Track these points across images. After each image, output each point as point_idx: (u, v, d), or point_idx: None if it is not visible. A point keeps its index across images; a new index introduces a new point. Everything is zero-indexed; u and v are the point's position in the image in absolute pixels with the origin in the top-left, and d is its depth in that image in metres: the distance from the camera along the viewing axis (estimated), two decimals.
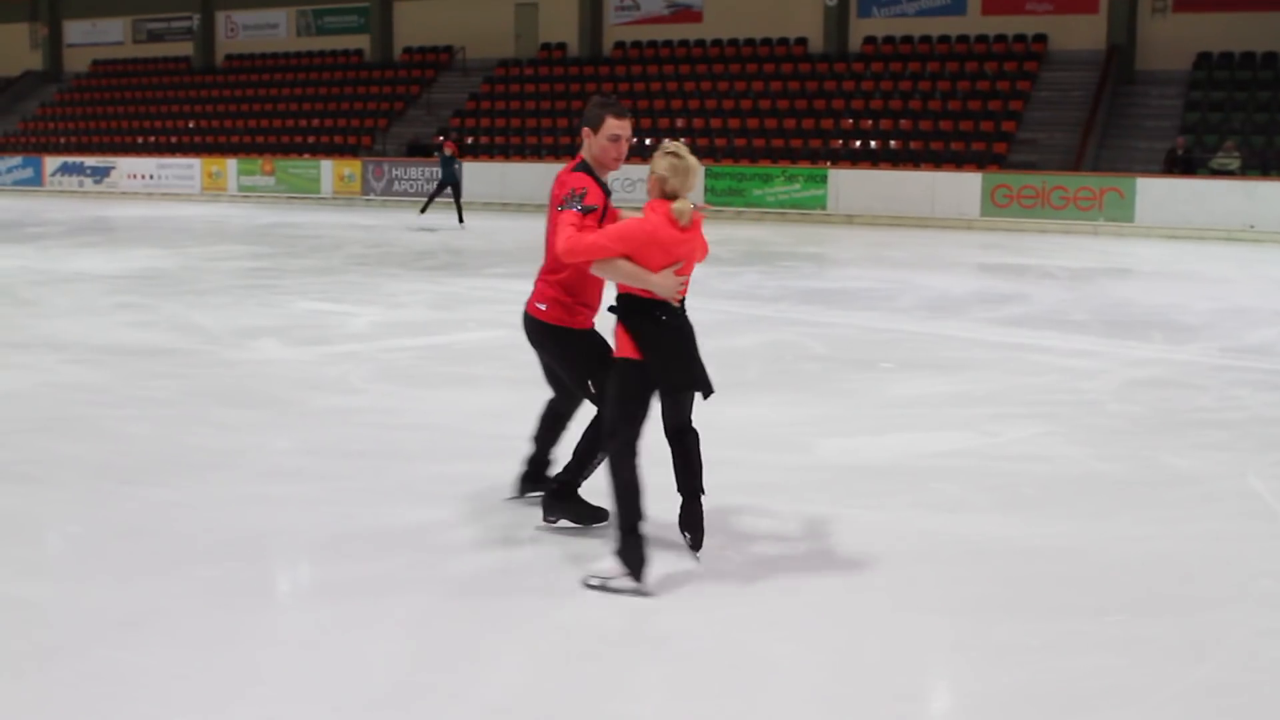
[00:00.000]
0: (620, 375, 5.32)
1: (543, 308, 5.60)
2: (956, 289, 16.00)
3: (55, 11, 49.60)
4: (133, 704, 4.10)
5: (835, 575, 5.40)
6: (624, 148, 5.56)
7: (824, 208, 28.71)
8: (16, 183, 41.00)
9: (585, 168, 5.52)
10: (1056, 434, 8.02)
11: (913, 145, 30.19)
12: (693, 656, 4.52)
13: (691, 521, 5.51)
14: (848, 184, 28.66)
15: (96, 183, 39.30)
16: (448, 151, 25.67)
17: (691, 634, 4.73)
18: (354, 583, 5.22)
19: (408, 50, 41.65)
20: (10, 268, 17.42)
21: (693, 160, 5.30)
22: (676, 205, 5.23)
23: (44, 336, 11.45)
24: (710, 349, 10.73)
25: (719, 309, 13.46)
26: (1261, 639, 4.85)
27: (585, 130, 5.54)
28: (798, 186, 29.06)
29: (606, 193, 5.49)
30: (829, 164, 29.79)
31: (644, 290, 5.24)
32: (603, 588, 5.08)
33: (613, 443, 5.27)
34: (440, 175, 26.03)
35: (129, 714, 4.04)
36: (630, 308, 5.29)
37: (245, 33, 45.84)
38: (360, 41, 42.78)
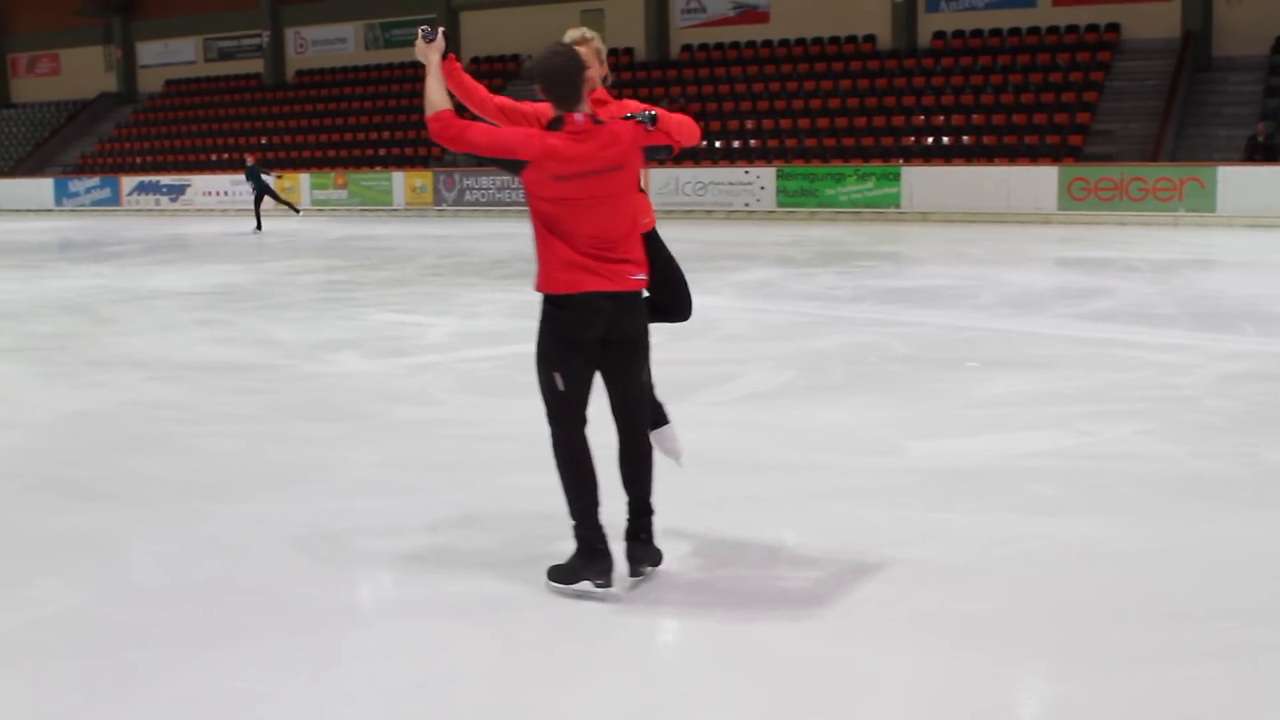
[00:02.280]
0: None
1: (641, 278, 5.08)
2: (1038, 284, 15.73)
3: (128, 34, 50.27)
4: None
5: (934, 582, 5.24)
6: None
7: (898, 206, 28.43)
8: (95, 203, 41.57)
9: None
10: (1153, 432, 7.79)
11: (986, 140, 29.83)
12: (788, 669, 4.38)
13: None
14: (921, 181, 28.36)
15: (172, 201, 39.74)
16: (250, 161, 29.57)
17: (787, 646, 4.59)
18: (445, 598, 5.14)
19: (475, 59, 41.77)
20: (90, 286, 17.60)
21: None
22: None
23: (125, 354, 11.52)
24: (792, 351, 10.73)
25: (797, 310, 13.34)
26: None
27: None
28: (871, 185, 28.80)
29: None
30: (901, 161, 29.50)
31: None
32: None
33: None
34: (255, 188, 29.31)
35: None
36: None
37: (314, 48, 46.20)
38: None
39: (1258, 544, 5.75)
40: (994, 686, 4.29)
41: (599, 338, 4.92)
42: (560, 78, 4.90)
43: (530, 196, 4.93)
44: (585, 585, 4.98)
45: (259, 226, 29.12)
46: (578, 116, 4.88)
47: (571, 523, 5.02)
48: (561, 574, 5.02)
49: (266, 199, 29.84)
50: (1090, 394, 8.92)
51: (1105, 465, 7.04)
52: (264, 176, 29.49)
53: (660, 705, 4.19)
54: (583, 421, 5.05)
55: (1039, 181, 27.08)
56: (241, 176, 38.51)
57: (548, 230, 4.90)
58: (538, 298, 4.98)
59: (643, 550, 5.12)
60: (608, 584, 4.98)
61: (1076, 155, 28.38)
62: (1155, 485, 6.66)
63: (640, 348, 5.12)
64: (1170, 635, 4.68)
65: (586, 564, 4.97)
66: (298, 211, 30.47)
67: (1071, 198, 26.62)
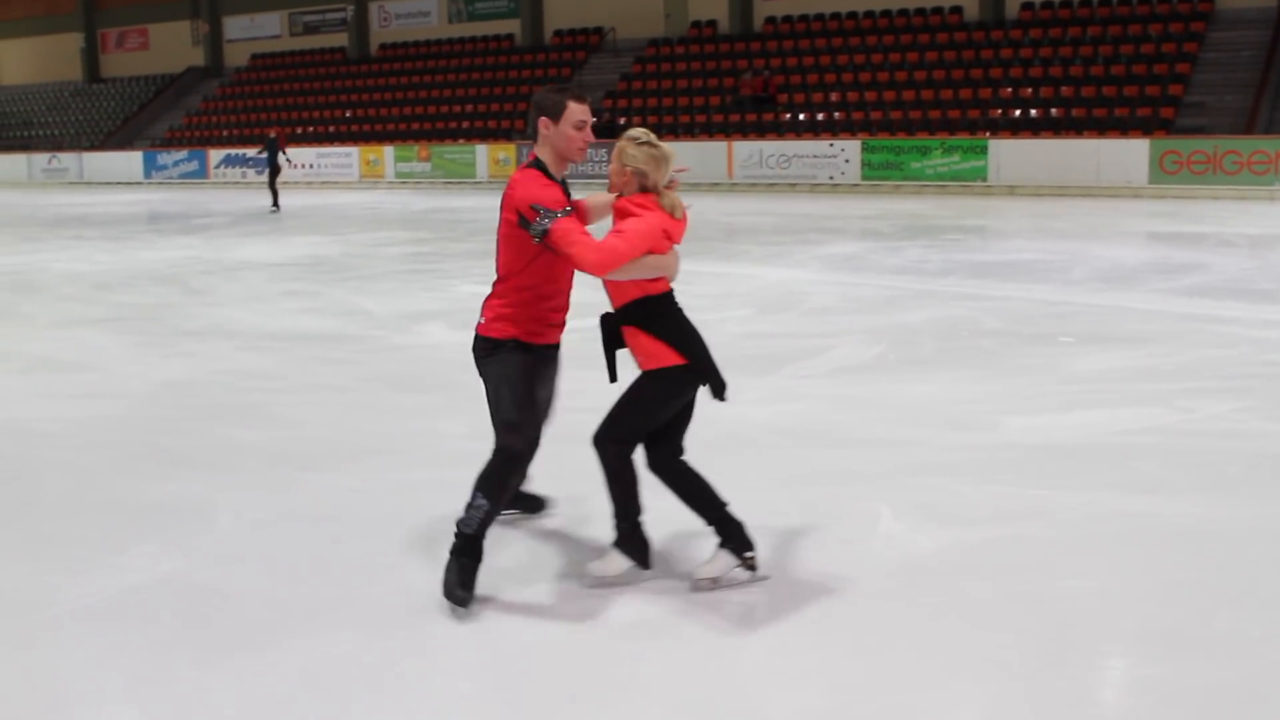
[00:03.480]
0: (662, 383, 4.83)
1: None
2: (1130, 259, 15.46)
3: (215, 8, 50.82)
4: (322, 694, 4.05)
5: (1036, 560, 5.15)
6: (589, 135, 4.86)
7: (984, 179, 28.07)
8: (183, 176, 42.10)
9: (539, 166, 4.84)
10: (1254, 409, 7.62)
11: (1075, 113, 29.33)
12: (881, 647, 4.32)
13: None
14: (1009, 154, 27.96)
15: (258, 173, 40.06)
16: (272, 135, 27.86)
17: (880, 623, 4.53)
18: (535, 569, 5.12)
19: (558, 33, 41.77)
20: (180, 258, 17.80)
21: (667, 148, 4.84)
22: (668, 201, 4.81)
23: (215, 324, 11.63)
24: (881, 325, 10.61)
25: (885, 284, 13.19)
26: None
27: (543, 121, 4.81)
28: (957, 158, 28.45)
29: (566, 192, 4.86)
30: (988, 134, 29.09)
31: (647, 286, 4.80)
32: (601, 582, 4.95)
33: (623, 448, 4.86)
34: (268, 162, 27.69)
35: (320, 703, 3.98)
36: (649, 311, 4.81)
37: (398, 21, 46.42)
38: (511, 26, 43.05)
39: None
40: (1094, 667, 4.20)
41: None
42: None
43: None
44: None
45: (275, 205, 27.57)
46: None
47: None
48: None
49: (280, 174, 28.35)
50: (1188, 370, 8.74)
51: (1206, 443, 6.89)
52: (280, 155, 27.82)
53: (744, 678, 4.14)
54: None
55: (1129, 154, 26.60)
56: (328, 149, 38.95)
57: None
58: None
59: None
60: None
61: (1168, 128, 27.82)
62: (1257, 464, 6.50)
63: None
64: (1278, 618, 4.56)
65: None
66: (275, 209, 27.30)
67: (1163, 171, 26.12)
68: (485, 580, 4.82)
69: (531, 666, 4.26)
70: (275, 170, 27.54)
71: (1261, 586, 4.86)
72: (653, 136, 4.84)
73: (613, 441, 4.85)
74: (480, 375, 5.04)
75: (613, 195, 4.92)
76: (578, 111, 4.80)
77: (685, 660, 4.27)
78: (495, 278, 4.99)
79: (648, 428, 4.85)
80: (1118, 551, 5.23)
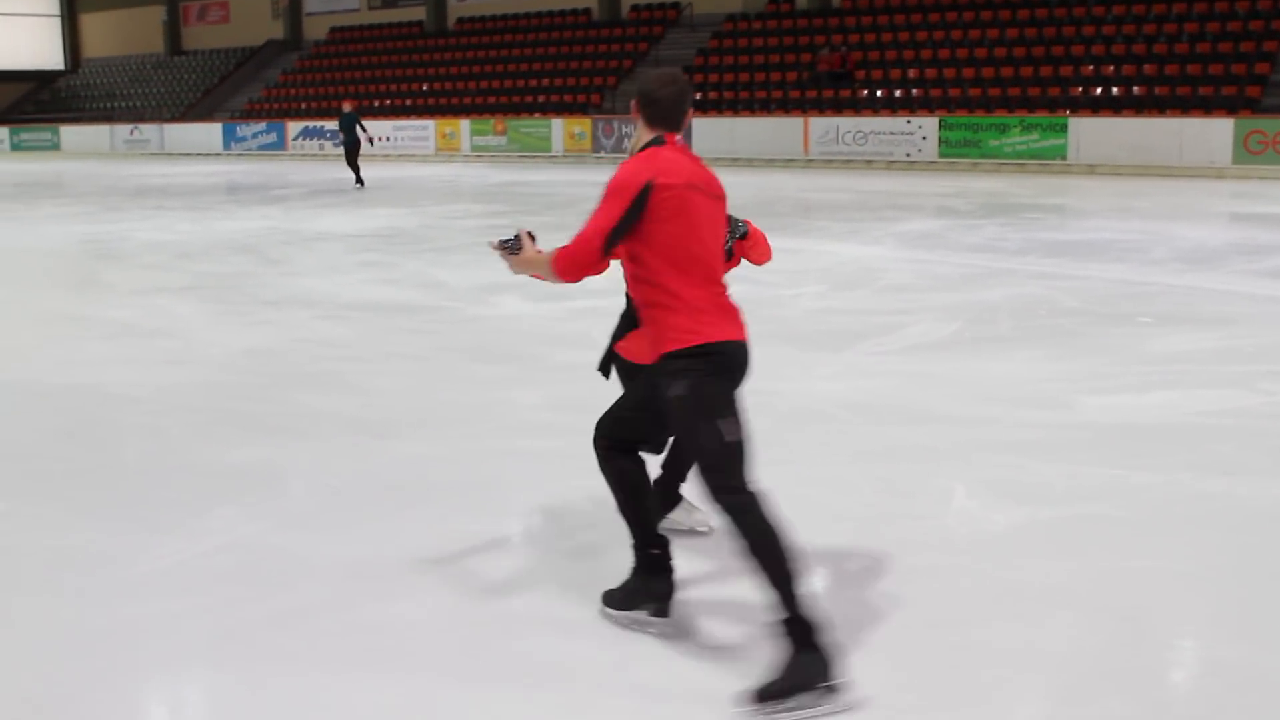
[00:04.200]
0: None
1: None
2: (1212, 240, 15.23)
3: None
4: (398, 656, 4.10)
5: (1111, 540, 5.10)
6: None
7: (1064, 158, 27.72)
8: (261, 147, 42.53)
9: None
10: None
11: (1158, 91, 28.86)
12: (956, 624, 4.31)
13: None
14: (1089, 132, 27.60)
15: (336, 146, 40.27)
16: (347, 109, 26.11)
17: (955, 599, 4.51)
18: (610, 540, 5.15)
19: (635, 8, 41.69)
20: (259, 228, 18.00)
21: None
22: None
23: (294, 294, 11.76)
24: (958, 302, 10.54)
25: (962, 262, 13.09)
26: None
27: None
28: (1036, 136, 28.11)
29: None
30: (1068, 112, 28.70)
31: None
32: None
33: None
34: (344, 139, 25.93)
35: (395, 666, 4.03)
36: None
37: None
38: (588, 1, 43.01)
39: None
40: (1168, 647, 4.17)
41: None
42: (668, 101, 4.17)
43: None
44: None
45: (359, 180, 25.94)
46: (677, 138, 4.22)
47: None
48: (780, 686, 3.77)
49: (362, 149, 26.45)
50: (1270, 352, 8.61)
51: None
52: (359, 130, 25.84)
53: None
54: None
55: (1213, 134, 26.16)
56: (404, 122, 39.18)
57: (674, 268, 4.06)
58: None
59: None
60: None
61: (1254, 107, 27.31)
62: None
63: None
64: None
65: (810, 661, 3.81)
66: (359, 184, 25.74)
67: (1248, 151, 25.67)
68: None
69: (615, 635, 4.29)
70: (355, 146, 25.91)
71: None
72: None
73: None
74: None
75: None
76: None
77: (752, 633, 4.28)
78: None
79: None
80: (1194, 533, 5.18)
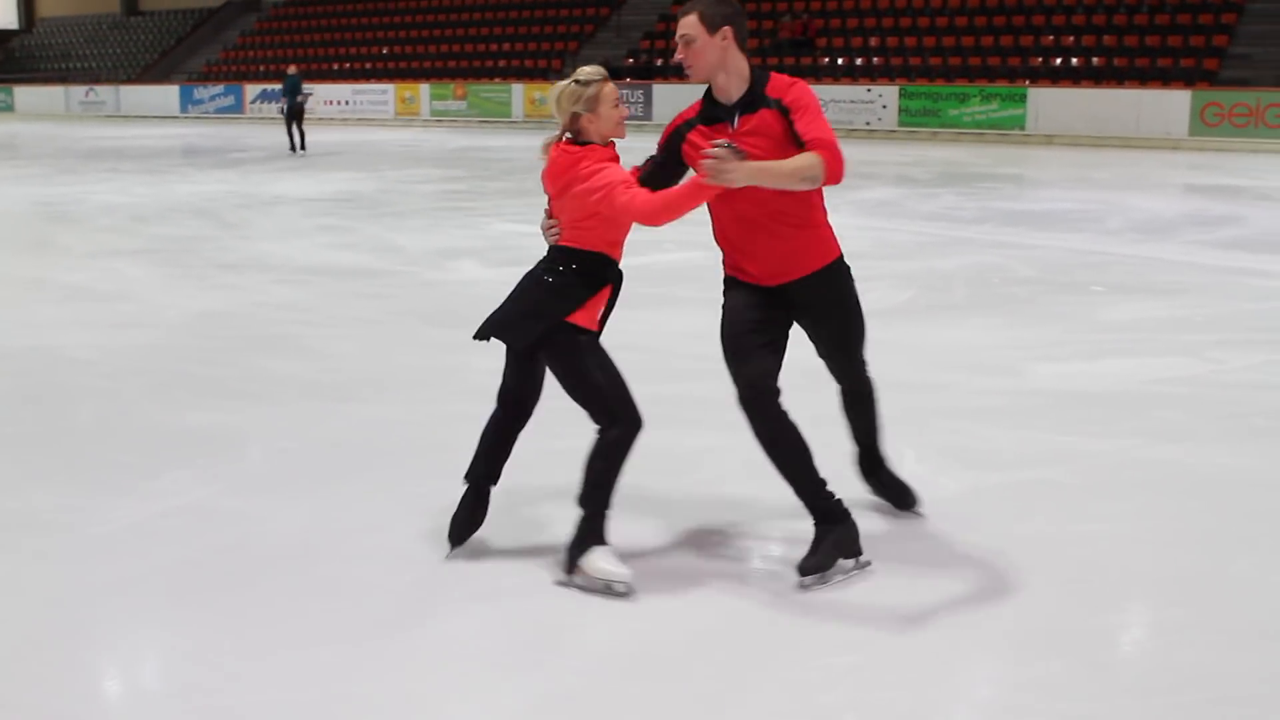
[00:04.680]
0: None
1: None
2: (1167, 211, 15.37)
3: None
4: (351, 615, 4.13)
5: (1058, 504, 5.18)
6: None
7: (1022, 128, 27.85)
8: (219, 110, 42.16)
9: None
10: None
11: (1116, 62, 29.01)
12: (912, 587, 4.37)
13: None
14: (1048, 103, 27.73)
15: (280, 112, 40.10)
16: (291, 71, 25.65)
17: (910, 562, 4.57)
18: (559, 499, 5.17)
19: None
20: (216, 192, 17.89)
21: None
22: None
23: (251, 258, 11.71)
24: (913, 270, 10.61)
25: (918, 230, 13.17)
26: None
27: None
28: (995, 106, 28.22)
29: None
30: (1028, 82, 28.83)
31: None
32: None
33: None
34: (289, 103, 25.32)
35: (347, 624, 4.06)
36: None
37: None
38: None
39: None
40: (1113, 608, 4.24)
41: None
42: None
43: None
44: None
45: (297, 146, 25.38)
46: None
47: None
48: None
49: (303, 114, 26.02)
50: (1220, 322, 8.72)
51: (1235, 394, 6.90)
52: (299, 96, 25.37)
53: (767, 614, 4.20)
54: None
55: (1170, 106, 26.34)
56: (364, 86, 38.93)
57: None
58: None
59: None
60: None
61: (1211, 80, 27.51)
62: None
63: None
64: None
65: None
66: (295, 150, 25.19)
67: (1204, 123, 25.86)
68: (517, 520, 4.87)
69: (559, 595, 4.33)
70: (296, 110, 25.34)
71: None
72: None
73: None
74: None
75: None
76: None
77: (704, 595, 4.33)
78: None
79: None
80: (1141, 498, 5.26)
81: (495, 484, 4.75)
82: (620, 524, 4.90)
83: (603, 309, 4.61)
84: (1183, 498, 5.28)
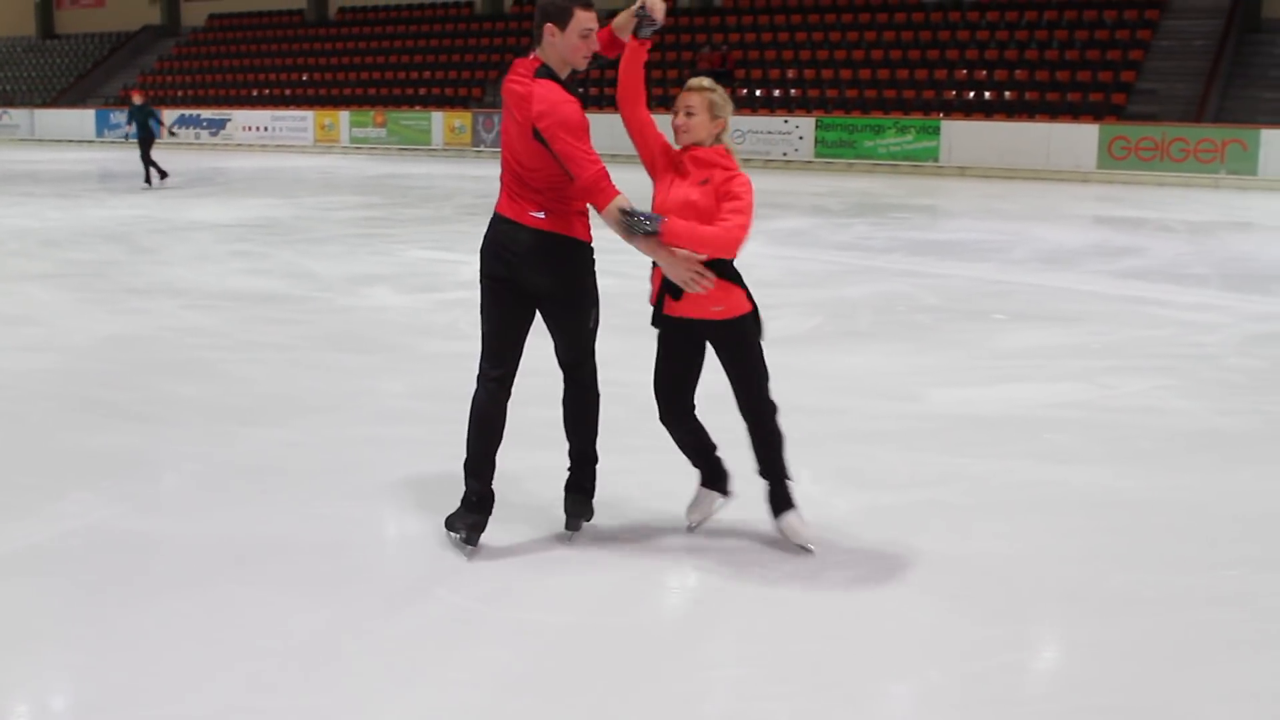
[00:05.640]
0: (751, 332, 5.00)
1: (540, 216, 4.71)
2: (1071, 241, 15.70)
3: None
4: (250, 635, 4.18)
5: (947, 523, 5.34)
6: (594, 43, 4.85)
7: (936, 159, 28.31)
8: (135, 135, 41.69)
9: (551, 75, 4.76)
10: (1174, 387, 7.85)
11: (1028, 96, 29.61)
12: (800, 601, 4.50)
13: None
14: (961, 135, 28.21)
15: (212, 135, 39.95)
16: (137, 100, 23.71)
17: (800, 578, 4.70)
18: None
19: (518, 1, 41.67)
20: (130, 217, 17.77)
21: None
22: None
23: (162, 283, 11.67)
24: (820, 298, 10.80)
25: (829, 259, 13.38)
26: None
27: (549, 28, 4.72)
28: (910, 138, 28.67)
29: (576, 94, 4.82)
30: (941, 115, 29.33)
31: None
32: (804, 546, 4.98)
33: (772, 405, 5.00)
34: (137, 132, 23.48)
35: (246, 644, 4.11)
36: (726, 261, 4.87)
37: None
38: None
39: (1271, 498, 5.82)
40: (995, 623, 4.38)
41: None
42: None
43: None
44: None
45: (151, 178, 23.59)
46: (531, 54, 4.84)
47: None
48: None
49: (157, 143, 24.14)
50: (1115, 349, 8.96)
51: (1124, 418, 7.11)
52: (152, 122, 23.49)
53: (660, 631, 4.31)
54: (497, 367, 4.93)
55: (1079, 139, 26.90)
56: (283, 112, 38.78)
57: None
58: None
59: (583, 503, 5.07)
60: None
61: (1119, 114, 28.14)
62: (1172, 438, 6.73)
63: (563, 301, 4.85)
64: (1173, 581, 4.77)
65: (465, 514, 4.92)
66: (157, 179, 23.61)
67: (1111, 156, 26.43)
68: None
69: (456, 611, 4.41)
70: (149, 139, 23.47)
71: (1158, 552, 5.07)
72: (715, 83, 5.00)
73: (765, 400, 4.99)
74: (582, 289, 4.86)
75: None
76: (585, 19, 4.75)
77: (592, 603, 4.43)
78: (522, 173, 4.74)
79: (766, 374, 4.99)
80: (1025, 517, 5.44)
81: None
82: (511, 538, 5.01)
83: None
84: (1067, 517, 5.46)
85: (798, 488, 5.24)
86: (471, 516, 4.90)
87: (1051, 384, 7.89)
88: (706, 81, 4.97)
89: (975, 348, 8.95)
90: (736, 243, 4.73)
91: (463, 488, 4.95)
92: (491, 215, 4.87)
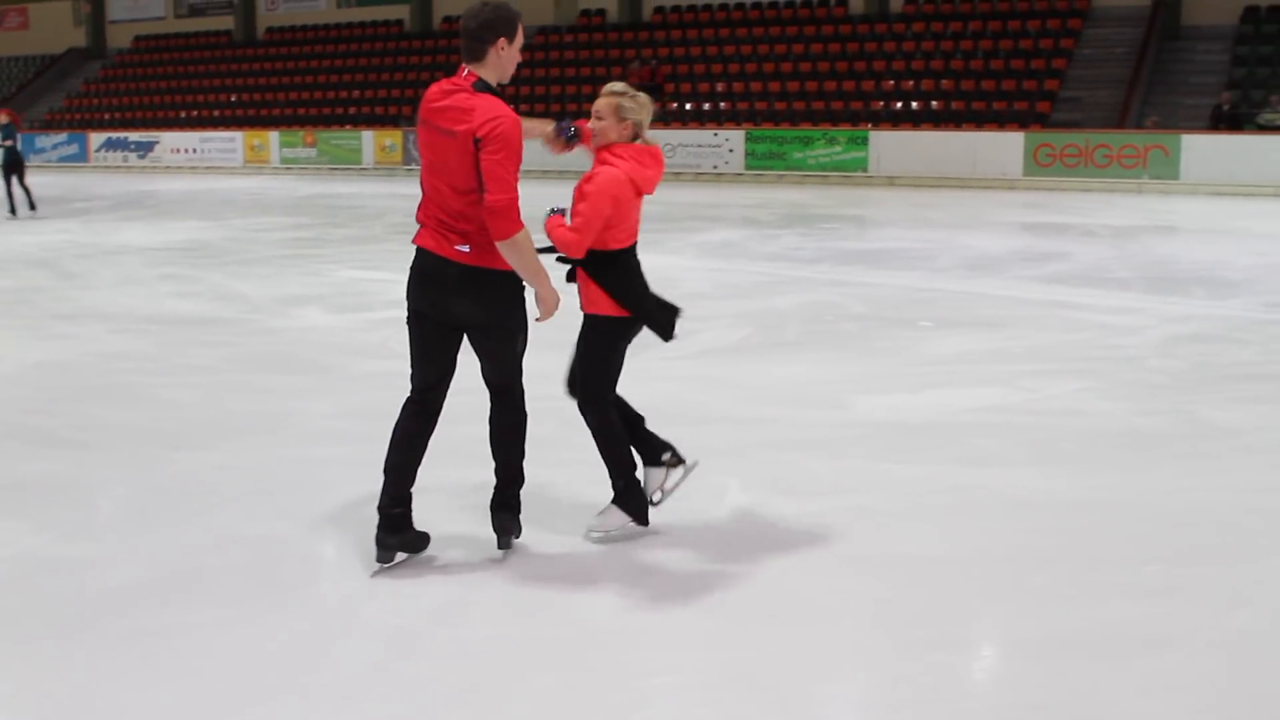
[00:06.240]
0: (604, 333, 5.14)
1: (465, 250, 4.69)
2: (997, 248, 15.92)
3: None
4: (178, 659, 4.18)
5: (873, 528, 5.42)
6: None
7: (865, 170, 28.55)
8: (62, 159, 41.30)
9: (489, 89, 4.73)
10: (1096, 389, 8.00)
11: (954, 105, 29.96)
12: (732, 608, 4.56)
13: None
14: (889, 146, 28.48)
15: (140, 157, 39.55)
16: (2, 120, 21.23)
17: (732, 586, 4.76)
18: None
19: (448, 19, 41.62)
20: (57, 241, 17.60)
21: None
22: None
23: (90, 307, 11.59)
24: (749, 310, 10.90)
25: (758, 270, 13.49)
26: None
27: (502, 41, 4.72)
28: (839, 149, 28.91)
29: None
30: (870, 126, 29.59)
31: (605, 240, 5.03)
32: (606, 537, 5.21)
33: (600, 405, 5.15)
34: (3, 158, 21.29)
35: (175, 668, 4.11)
36: (603, 260, 5.06)
37: (285, 6, 45.91)
38: (400, 12, 42.80)
39: (1188, 495, 5.95)
40: (921, 624, 4.46)
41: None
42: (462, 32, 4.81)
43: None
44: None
45: (18, 205, 21.42)
46: (464, 69, 4.80)
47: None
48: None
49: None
50: (1037, 353, 9.11)
51: (1046, 420, 7.23)
52: (10, 142, 21.34)
53: (603, 641, 4.36)
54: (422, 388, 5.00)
55: (1005, 147, 27.23)
56: (212, 134, 38.51)
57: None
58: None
59: (510, 520, 5.09)
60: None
61: (1044, 121, 28.53)
62: (1093, 439, 6.85)
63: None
64: (1093, 578, 4.88)
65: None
66: (15, 212, 21.09)
67: (1037, 164, 26.79)
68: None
69: (390, 630, 4.43)
70: (12, 164, 21.40)
71: (1079, 550, 5.18)
72: (628, 87, 5.13)
73: (591, 401, 5.14)
74: (513, 319, 4.87)
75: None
76: (522, 33, 4.85)
77: (524, 617, 4.47)
78: (451, 202, 4.70)
79: (613, 377, 5.15)
80: (949, 520, 5.53)
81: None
82: (443, 555, 5.04)
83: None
84: (989, 519, 5.56)
85: (727, 496, 5.33)
86: (380, 534, 4.91)
87: (976, 389, 8.01)
88: (618, 86, 5.11)
89: (901, 355, 9.06)
90: (565, 244, 4.97)
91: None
92: (415, 249, 4.84)
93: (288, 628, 4.44)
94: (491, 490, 5.10)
